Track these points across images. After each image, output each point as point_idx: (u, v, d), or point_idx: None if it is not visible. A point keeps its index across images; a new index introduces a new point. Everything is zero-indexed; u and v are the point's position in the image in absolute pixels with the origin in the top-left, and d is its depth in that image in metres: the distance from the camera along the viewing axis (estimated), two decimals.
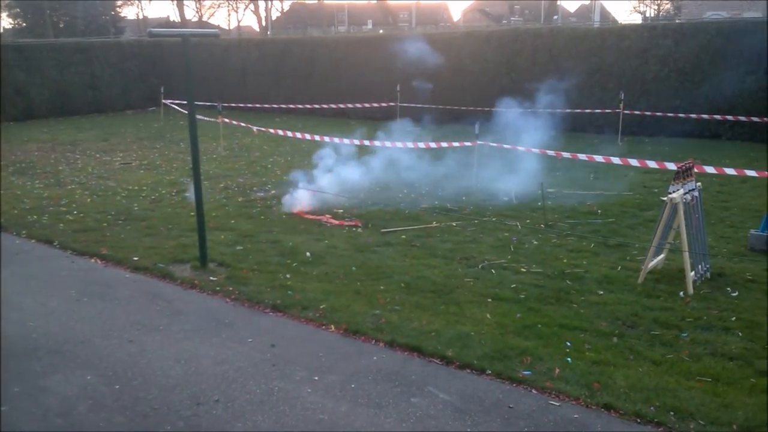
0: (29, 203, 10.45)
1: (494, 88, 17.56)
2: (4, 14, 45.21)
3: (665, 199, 6.36)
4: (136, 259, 7.52)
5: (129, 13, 71.08)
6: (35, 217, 9.56)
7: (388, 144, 11.36)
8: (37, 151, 16.04)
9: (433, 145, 11.34)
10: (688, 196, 6.49)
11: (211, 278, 6.93)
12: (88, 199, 10.72)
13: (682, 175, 6.49)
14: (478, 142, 10.96)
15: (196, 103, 7.43)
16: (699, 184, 6.87)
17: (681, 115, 15.24)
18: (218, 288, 6.65)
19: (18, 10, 43.41)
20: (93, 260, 7.65)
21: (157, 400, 4.52)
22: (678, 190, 6.37)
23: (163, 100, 20.38)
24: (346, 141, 11.38)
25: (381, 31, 39.74)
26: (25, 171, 13.32)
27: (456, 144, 11.28)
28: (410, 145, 11.34)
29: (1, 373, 4.91)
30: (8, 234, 8.76)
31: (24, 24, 43.23)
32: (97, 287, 6.76)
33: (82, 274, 7.20)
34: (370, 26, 58.31)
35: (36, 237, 8.54)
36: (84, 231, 8.76)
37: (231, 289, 6.60)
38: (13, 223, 9.20)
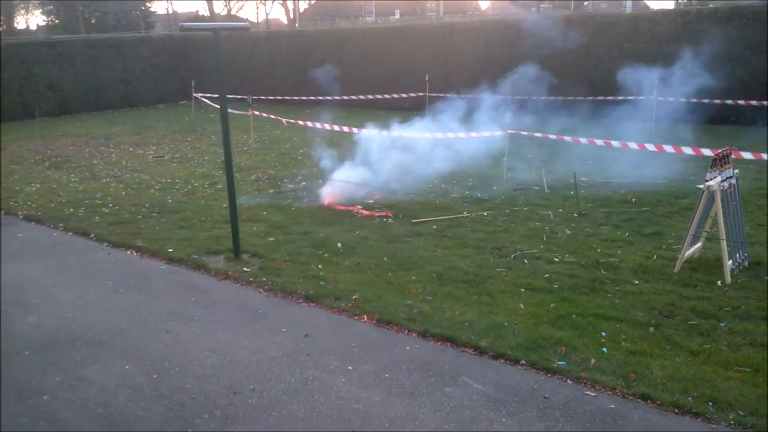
0: (65, 196, 10.65)
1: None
2: (37, 12, 46.05)
3: (702, 186, 6.25)
4: (170, 250, 7.62)
5: (159, 8, 71.80)
6: (71, 210, 9.73)
7: (416, 134, 11.33)
8: (72, 145, 16.31)
9: (462, 135, 11.27)
10: (726, 184, 6.37)
11: (245, 269, 6.99)
12: (123, 192, 10.88)
13: (720, 162, 6.37)
14: (509, 131, 10.87)
15: (226, 96, 7.48)
16: (737, 171, 6.73)
17: (716, 101, 14.90)
18: (252, 279, 6.70)
19: (51, 7, 44.19)
20: (129, 252, 7.77)
21: (194, 390, 4.59)
22: (715, 177, 6.25)
23: (194, 94, 20.57)
24: (374, 132, 11.37)
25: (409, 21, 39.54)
26: (61, 165, 13.57)
27: (486, 133, 11.20)
28: (439, 135, 11.29)
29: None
30: (45, 227, 8.94)
31: (57, 21, 43.99)
32: (133, 279, 6.87)
33: (118, 265, 7.32)
34: (397, 16, 58.10)
35: (72, 230, 8.70)
36: (119, 223, 8.91)
37: (264, 279, 6.65)
38: (50, 216, 9.38)
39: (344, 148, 11.31)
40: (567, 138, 10.40)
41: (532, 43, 16.47)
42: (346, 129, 12.03)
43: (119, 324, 5.72)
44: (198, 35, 25.73)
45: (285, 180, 11.46)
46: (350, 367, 4.86)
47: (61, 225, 8.93)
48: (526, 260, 7.02)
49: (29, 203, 10.19)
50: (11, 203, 10.21)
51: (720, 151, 6.48)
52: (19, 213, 9.62)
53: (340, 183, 9.86)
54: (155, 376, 4.81)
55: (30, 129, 18.68)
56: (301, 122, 14.02)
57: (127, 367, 4.95)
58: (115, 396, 4.55)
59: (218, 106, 7.79)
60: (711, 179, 6.21)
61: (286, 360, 5.00)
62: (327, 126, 12.42)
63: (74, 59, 23.34)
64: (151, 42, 26.21)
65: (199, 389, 4.59)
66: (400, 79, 20.05)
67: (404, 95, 19.01)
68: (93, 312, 6.00)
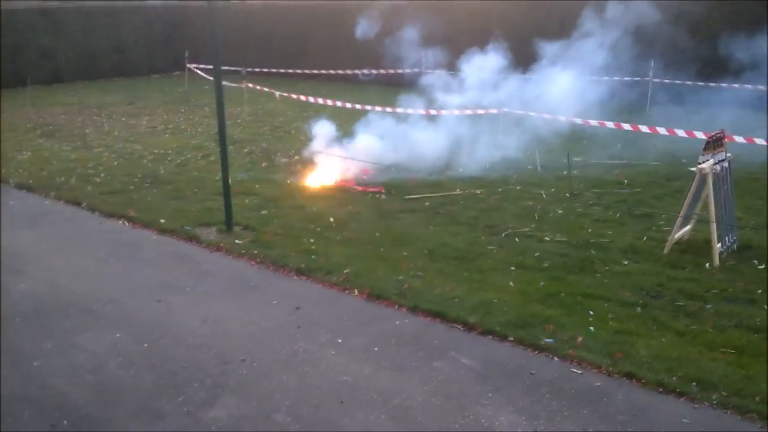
0: (57, 165, 10.60)
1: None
2: None
3: (694, 169, 6.28)
4: (163, 221, 7.62)
5: None
6: (63, 178, 9.70)
7: (410, 111, 11.28)
8: (64, 114, 16.19)
9: (457, 112, 11.24)
10: (718, 167, 6.41)
11: (237, 241, 7.01)
12: (115, 162, 10.84)
13: (713, 145, 6.39)
14: (505, 110, 10.85)
15: (221, 68, 7.42)
16: (729, 154, 6.76)
17: (723, 84, 14.65)
18: (243, 251, 6.72)
19: None
20: (121, 222, 7.76)
21: (185, 359, 4.62)
22: (708, 160, 6.28)
23: (188, 65, 20.39)
24: (368, 107, 11.33)
25: None
26: (53, 134, 13.48)
27: (481, 111, 11.18)
28: (433, 112, 11.26)
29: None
30: (37, 195, 8.92)
31: None
32: (125, 248, 6.88)
33: (110, 235, 7.32)
34: None
35: (64, 198, 8.68)
36: (111, 193, 8.89)
37: (256, 252, 6.67)
38: (41, 184, 9.34)
39: (338, 123, 11.28)
40: (561, 118, 10.38)
41: None
42: (339, 104, 11.98)
43: (111, 292, 5.74)
44: (193, 5, 25.43)
45: (278, 153, 11.43)
46: (340, 340, 4.90)
47: (52, 193, 8.90)
48: (517, 238, 7.06)
49: (21, 171, 10.14)
50: (2, 171, 10.15)
51: (713, 133, 6.51)
52: (11, 181, 9.57)
53: (333, 158, 9.84)
54: (146, 344, 4.84)
55: (22, 97, 18.50)
56: (294, 96, 13.94)
57: (118, 335, 4.98)
58: (107, 363, 4.58)
59: (212, 78, 7.75)
60: (704, 162, 6.24)
61: (277, 332, 5.04)
62: (320, 100, 12.35)
63: (68, 27, 23.04)
64: (146, 11, 25.87)
65: (190, 358, 4.63)
66: (396, 55, 19.90)
67: (400, 71, 18.89)
68: (85, 280, 6.02)
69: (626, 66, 13.56)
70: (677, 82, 14.71)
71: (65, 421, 3.93)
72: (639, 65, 14.48)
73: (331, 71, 20.68)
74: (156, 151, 11.74)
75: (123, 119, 15.36)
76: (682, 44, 15.32)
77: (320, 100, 12.40)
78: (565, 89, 10.51)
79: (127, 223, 7.71)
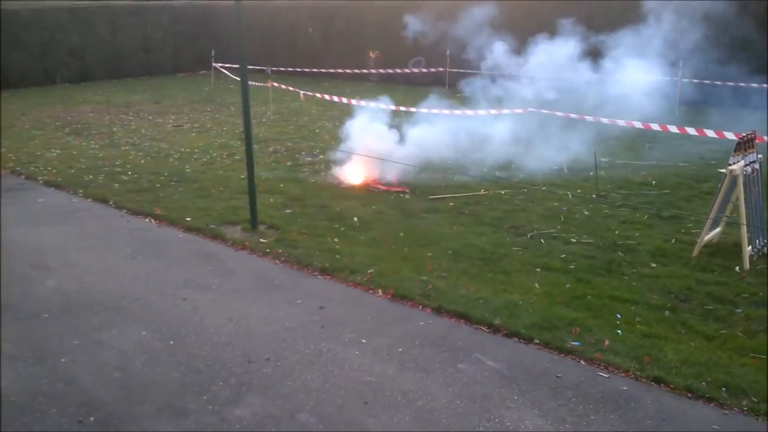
0: (85, 163, 10.73)
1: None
2: None
3: (724, 171, 6.18)
4: (188, 219, 7.67)
5: None
6: (91, 176, 9.81)
7: (435, 111, 11.24)
8: (92, 112, 16.39)
9: (482, 112, 11.18)
10: (749, 168, 6.29)
11: (261, 240, 7.03)
12: (142, 161, 10.95)
13: (743, 146, 6.28)
14: (530, 110, 10.75)
15: (246, 67, 7.45)
16: (760, 156, 6.64)
17: (754, 85, 14.39)
18: (268, 250, 6.74)
19: None
20: (147, 220, 7.83)
21: (210, 357, 4.65)
22: (738, 161, 6.17)
23: (214, 64, 20.53)
24: (392, 107, 11.30)
25: None
26: (81, 132, 13.65)
27: (506, 111, 11.09)
28: (458, 112, 11.20)
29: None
30: (65, 192, 9.03)
31: None
32: (152, 246, 6.94)
33: (136, 233, 7.39)
34: None
35: (92, 196, 8.78)
36: (138, 191, 8.97)
37: (280, 251, 6.69)
38: (69, 182, 9.46)
39: (362, 122, 11.26)
40: (588, 118, 10.26)
41: None
42: (363, 103, 11.97)
43: (137, 290, 5.79)
44: (219, 4, 25.62)
45: (303, 153, 11.47)
46: (364, 340, 4.89)
47: (80, 191, 9.01)
48: (542, 240, 7.00)
49: (49, 169, 10.28)
50: (31, 168, 10.31)
51: (744, 134, 6.39)
52: (40, 178, 9.71)
53: (357, 157, 9.84)
54: (172, 342, 4.87)
55: (51, 95, 18.79)
56: (318, 95, 13.96)
57: (144, 332, 5.02)
58: (132, 361, 4.62)
59: (238, 78, 7.78)
60: (734, 163, 6.13)
61: (301, 331, 5.04)
62: (344, 100, 12.35)
63: (95, 26, 23.34)
64: (172, 10, 26.12)
65: (215, 357, 4.65)
66: (421, 55, 19.83)
67: (424, 70, 18.83)
68: (111, 278, 6.08)
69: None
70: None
71: (91, 418, 3.96)
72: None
73: (356, 70, 20.69)
74: (182, 149, 11.83)
75: (150, 118, 15.51)
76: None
77: (344, 100, 12.40)
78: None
79: (153, 221, 7.78)
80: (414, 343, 4.85)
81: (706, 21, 11.08)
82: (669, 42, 10.85)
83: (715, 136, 8.55)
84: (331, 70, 21.07)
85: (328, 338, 4.93)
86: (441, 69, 18.74)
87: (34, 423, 3.91)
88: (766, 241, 6.64)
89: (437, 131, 10.79)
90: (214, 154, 11.42)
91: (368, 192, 8.96)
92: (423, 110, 11.15)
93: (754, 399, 4.11)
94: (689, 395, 4.18)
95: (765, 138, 7.62)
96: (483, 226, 7.44)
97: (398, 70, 19.15)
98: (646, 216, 7.73)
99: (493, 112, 11.08)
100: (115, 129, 13.93)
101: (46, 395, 4.19)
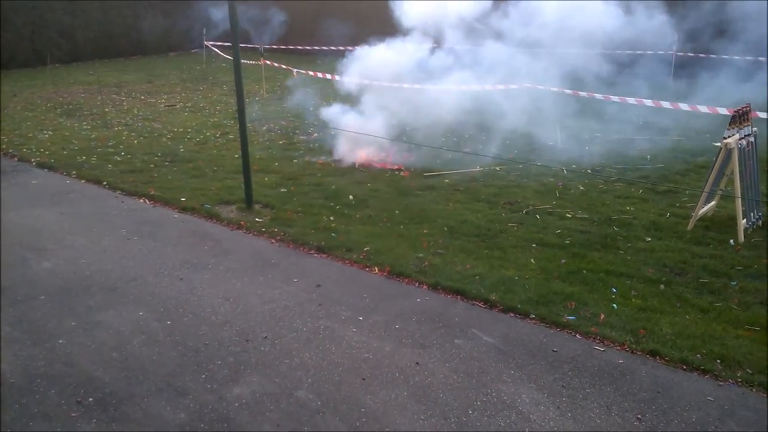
0: (78, 144, 10.66)
1: None
2: None
3: (719, 144, 6.17)
4: (183, 199, 7.65)
5: None
6: (84, 157, 9.76)
7: (431, 86, 11.17)
8: (83, 93, 16.26)
9: (477, 87, 11.11)
10: (744, 142, 6.29)
11: (257, 219, 7.02)
12: (135, 141, 10.88)
13: (738, 119, 6.27)
14: (526, 85, 10.70)
15: (239, 45, 7.38)
16: (755, 129, 6.63)
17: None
18: (264, 229, 6.74)
19: None
20: (142, 200, 7.81)
21: (208, 336, 4.66)
22: (733, 134, 6.16)
23: (205, 42, 20.35)
24: (385, 83, 11.22)
25: None
26: (73, 113, 13.55)
27: (501, 86, 11.04)
28: (452, 87, 11.14)
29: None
30: (58, 174, 8.98)
31: None
32: (147, 227, 6.92)
33: (131, 213, 7.37)
34: None
35: (85, 177, 8.74)
36: (132, 172, 8.93)
37: (276, 230, 6.68)
38: (62, 163, 9.41)
39: (357, 100, 11.20)
40: (583, 93, 10.24)
41: None
42: (356, 80, 11.87)
43: (133, 271, 5.79)
44: None
45: (297, 131, 11.41)
46: (361, 318, 4.91)
47: (74, 172, 8.97)
48: (538, 215, 7.01)
49: (42, 150, 10.22)
50: (24, 150, 10.24)
51: (739, 108, 6.38)
52: (32, 160, 9.66)
53: (352, 135, 9.80)
54: (169, 322, 4.88)
55: (42, 76, 18.62)
56: (311, 73, 13.87)
57: (141, 313, 5.02)
58: (130, 341, 4.62)
59: (230, 57, 7.72)
60: (729, 137, 6.13)
61: (298, 309, 5.05)
62: (337, 77, 12.26)
63: (85, 6, 23.07)
64: None
65: (213, 336, 4.66)
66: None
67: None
68: (107, 258, 6.07)
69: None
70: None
71: (90, 398, 3.97)
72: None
73: (349, 48, 20.48)
74: (175, 129, 11.77)
75: (142, 98, 15.40)
76: None
77: (337, 77, 12.30)
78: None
79: (148, 202, 7.75)
80: (411, 320, 4.87)
81: None
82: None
83: (708, 111, 8.54)
84: (325, 48, 20.89)
85: (325, 316, 4.94)
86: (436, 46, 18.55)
87: (33, 404, 3.92)
88: (761, 214, 6.66)
89: (430, 107, 10.73)
90: (208, 134, 11.36)
91: (363, 170, 8.94)
92: (416, 86, 11.08)
93: (749, 370, 4.14)
94: (684, 367, 4.21)
95: (758, 113, 7.61)
96: (478, 203, 7.44)
97: None
98: (641, 190, 7.74)
99: (488, 87, 11.02)
100: (107, 109, 13.83)
101: (45, 377, 4.20)
